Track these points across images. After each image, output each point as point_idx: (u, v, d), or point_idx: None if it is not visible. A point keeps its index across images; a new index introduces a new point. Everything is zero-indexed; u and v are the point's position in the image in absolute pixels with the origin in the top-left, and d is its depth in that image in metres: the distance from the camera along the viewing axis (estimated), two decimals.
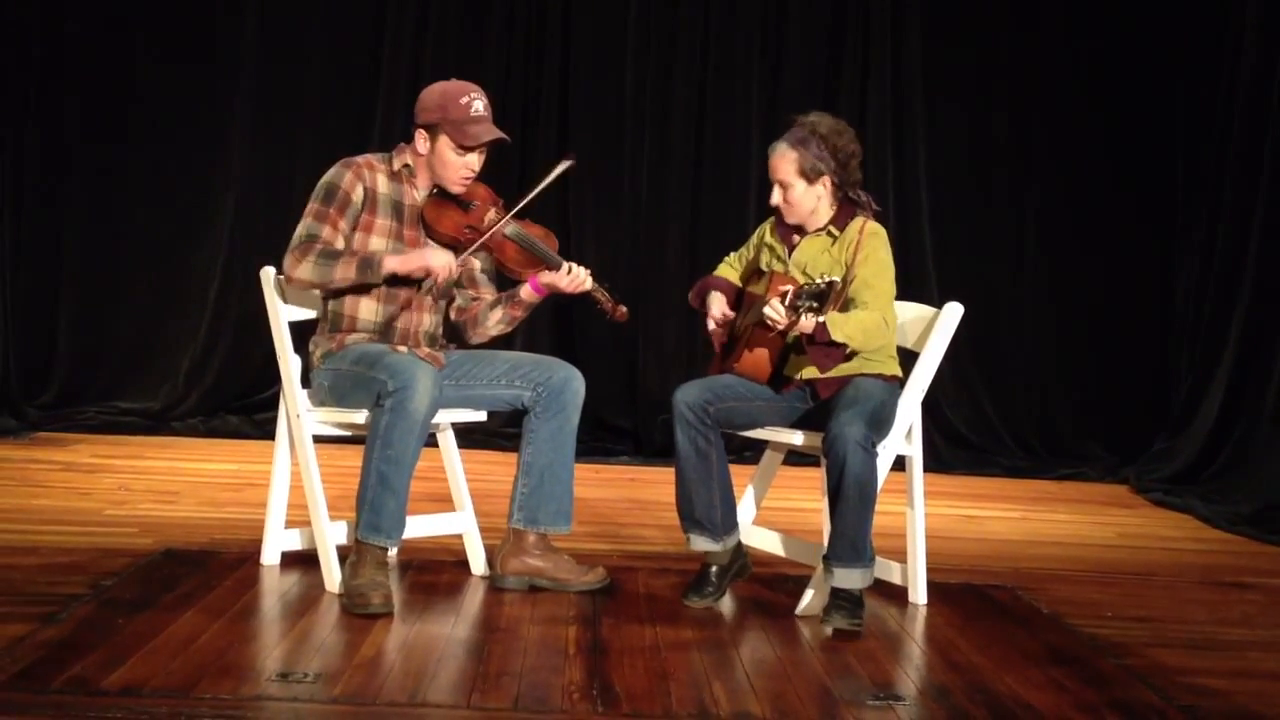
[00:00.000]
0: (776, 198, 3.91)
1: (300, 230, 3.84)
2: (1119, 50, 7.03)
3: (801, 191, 3.87)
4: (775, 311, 3.60)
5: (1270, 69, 6.26)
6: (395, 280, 3.86)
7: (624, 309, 4.00)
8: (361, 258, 3.78)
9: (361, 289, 3.86)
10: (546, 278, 3.92)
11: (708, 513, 3.84)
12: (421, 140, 3.92)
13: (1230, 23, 6.61)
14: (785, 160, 3.87)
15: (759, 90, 7.00)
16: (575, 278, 3.90)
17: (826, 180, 3.86)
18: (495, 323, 4.03)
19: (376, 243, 3.88)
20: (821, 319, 3.57)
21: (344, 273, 3.77)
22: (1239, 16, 6.53)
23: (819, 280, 3.55)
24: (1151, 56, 6.99)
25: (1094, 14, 7.04)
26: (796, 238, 3.95)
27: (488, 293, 4.08)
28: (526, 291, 3.98)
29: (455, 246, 3.91)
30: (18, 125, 6.61)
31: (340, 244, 3.84)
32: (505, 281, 4.06)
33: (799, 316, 3.55)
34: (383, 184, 3.92)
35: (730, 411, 3.85)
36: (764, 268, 3.99)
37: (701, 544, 3.88)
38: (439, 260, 3.81)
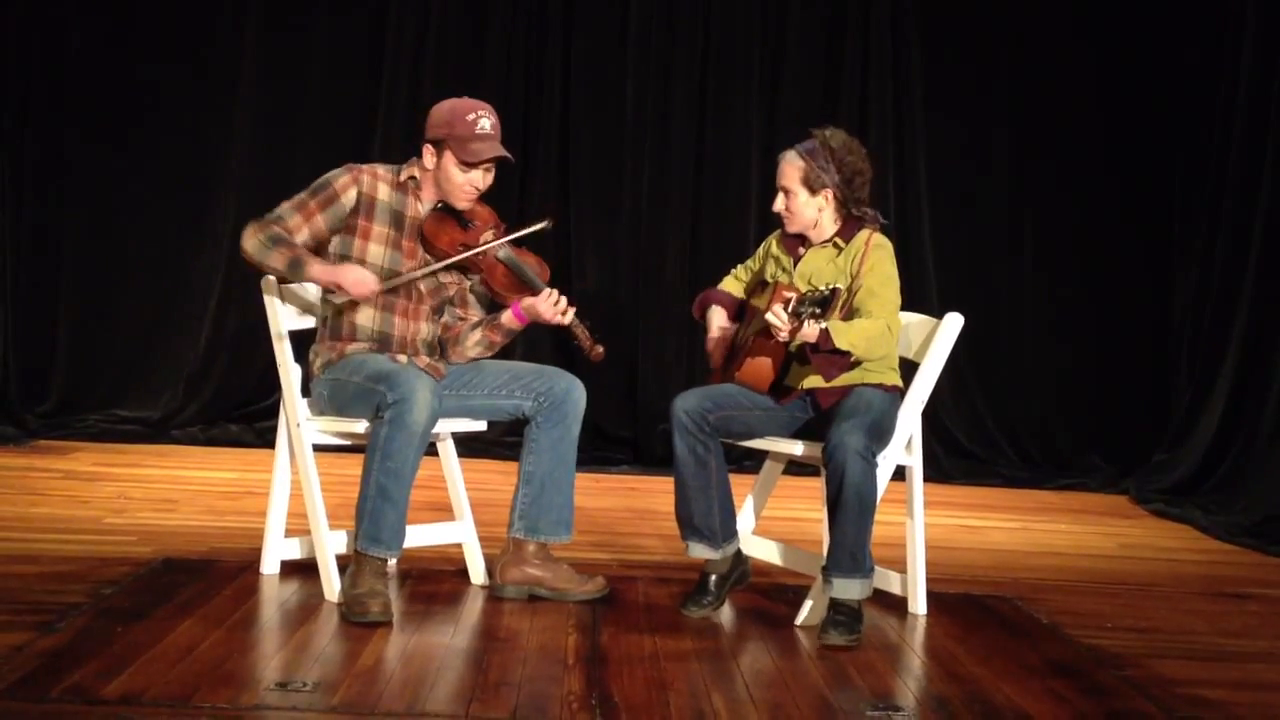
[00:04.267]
0: (779, 204, 3.92)
1: (275, 209, 3.86)
2: (1117, 62, 7.04)
3: (803, 201, 3.88)
4: (778, 318, 3.60)
5: (1269, 81, 6.26)
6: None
7: (600, 349, 3.94)
8: (293, 256, 3.77)
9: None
10: (529, 302, 3.92)
11: (706, 520, 3.84)
12: (429, 155, 3.92)
13: (1229, 34, 6.61)
14: (791, 167, 3.89)
15: (758, 103, 7.00)
16: (558, 307, 3.90)
17: (829, 193, 3.87)
18: (474, 344, 4.03)
19: (374, 250, 3.88)
20: (824, 325, 3.57)
21: (276, 262, 3.77)
22: (1238, 27, 6.53)
23: (823, 287, 3.55)
24: (1150, 68, 6.99)
25: (1093, 26, 7.05)
26: (802, 249, 3.95)
27: (475, 314, 4.09)
28: (508, 317, 3.98)
29: (448, 261, 3.93)
30: (16, 134, 6.61)
31: (301, 236, 3.84)
32: (496, 306, 4.06)
33: (801, 323, 3.55)
34: (384, 192, 3.93)
35: (729, 420, 3.85)
36: (769, 279, 3.99)
37: (700, 552, 3.88)
38: (351, 278, 3.78)
